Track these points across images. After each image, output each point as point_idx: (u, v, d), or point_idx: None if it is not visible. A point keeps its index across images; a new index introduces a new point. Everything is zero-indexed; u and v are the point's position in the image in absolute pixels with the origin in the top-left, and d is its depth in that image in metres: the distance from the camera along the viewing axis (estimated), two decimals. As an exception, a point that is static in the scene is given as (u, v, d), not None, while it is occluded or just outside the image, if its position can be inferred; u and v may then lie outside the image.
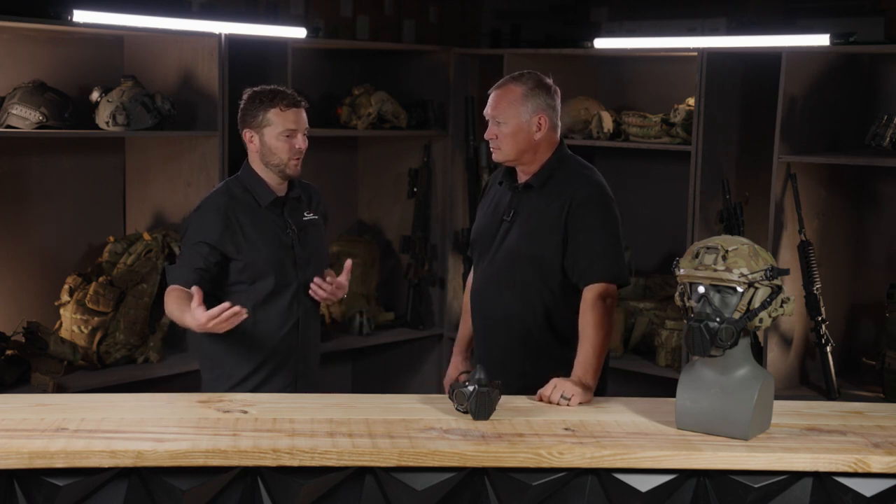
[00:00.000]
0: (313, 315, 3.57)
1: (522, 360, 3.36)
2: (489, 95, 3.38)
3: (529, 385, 3.19)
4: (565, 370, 3.19)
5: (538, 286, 3.33)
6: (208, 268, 3.36)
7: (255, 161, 3.47)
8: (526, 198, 3.38)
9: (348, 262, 3.56)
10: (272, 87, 3.46)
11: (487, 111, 3.35)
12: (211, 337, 3.41)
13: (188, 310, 3.15)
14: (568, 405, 3.02)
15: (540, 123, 3.31)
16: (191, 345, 4.63)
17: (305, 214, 3.54)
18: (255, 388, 3.40)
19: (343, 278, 3.52)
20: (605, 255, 3.26)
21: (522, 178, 3.39)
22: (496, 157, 3.37)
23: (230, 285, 3.42)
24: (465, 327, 3.59)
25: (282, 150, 3.41)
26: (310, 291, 3.46)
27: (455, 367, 3.58)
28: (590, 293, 3.23)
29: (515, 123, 3.30)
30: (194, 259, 3.36)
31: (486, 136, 3.36)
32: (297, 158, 3.43)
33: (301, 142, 3.43)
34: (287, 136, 3.40)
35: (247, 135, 3.44)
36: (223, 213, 3.40)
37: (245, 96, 3.48)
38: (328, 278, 3.50)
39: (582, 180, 3.34)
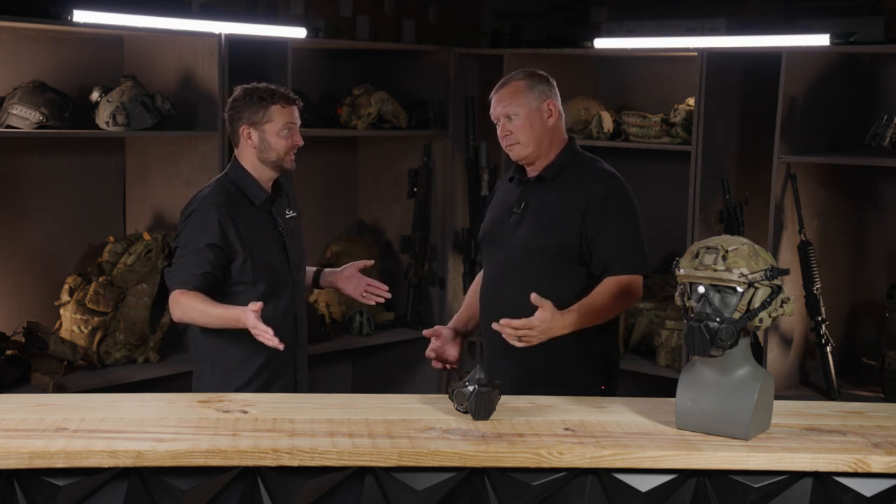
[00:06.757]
0: (305, 312, 3.62)
1: (533, 354, 3.34)
2: (490, 101, 3.38)
3: (541, 381, 3.21)
4: (577, 364, 3.23)
5: (549, 279, 3.32)
6: (214, 271, 3.37)
7: (246, 158, 3.48)
8: (538, 190, 3.38)
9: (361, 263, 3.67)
10: (264, 84, 3.49)
11: (496, 111, 3.35)
12: (214, 340, 3.41)
13: (228, 306, 3.28)
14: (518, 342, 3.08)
15: (550, 109, 3.35)
16: (191, 345, 4.63)
17: (288, 212, 3.56)
18: (260, 389, 3.41)
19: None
20: (628, 250, 3.30)
21: (534, 172, 3.40)
22: (514, 154, 3.37)
23: (231, 286, 3.42)
24: (463, 309, 3.58)
25: (281, 146, 3.45)
26: (366, 297, 3.60)
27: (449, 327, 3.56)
28: (614, 280, 3.27)
29: (526, 112, 3.32)
30: (200, 263, 3.35)
31: (500, 136, 3.36)
32: (294, 153, 3.49)
33: (299, 137, 3.50)
34: (288, 132, 3.45)
35: (244, 131, 3.44)
36: (223, 213, 3.40)
37: (237, 93, 3.49)
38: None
39: (598, 173, 3.37)
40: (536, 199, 3.37)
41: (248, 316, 3.15)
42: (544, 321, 3.09)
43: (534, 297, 3.11)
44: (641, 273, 3.33)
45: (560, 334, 3.15)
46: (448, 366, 3.47)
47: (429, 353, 3.47)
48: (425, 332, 3.50)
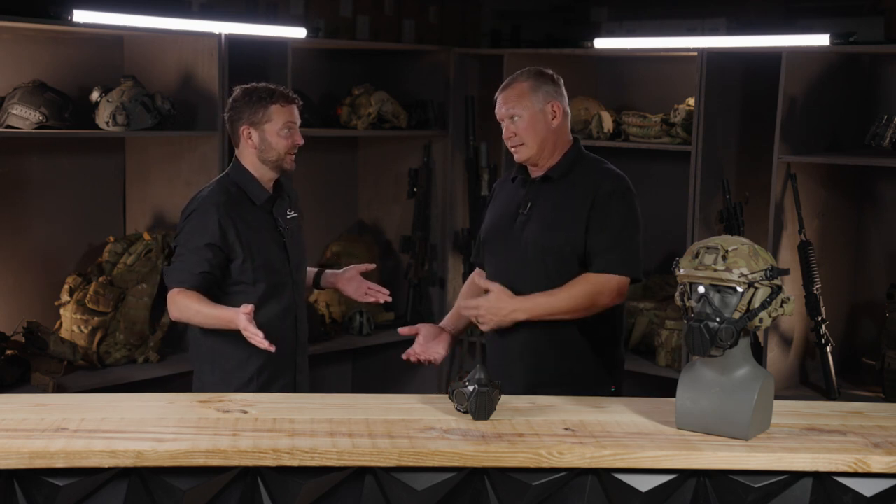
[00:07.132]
0: (305, 312, 3.63)
1: (542, 354, 3.33)
2: (496, 100, 3.38)
3: (551, 381, 3.22)
4: (588, 365, 3.25)
5: (555, 278, 3.30)
6: (213, 270, 3.37)
7: (247, 158, 3.48)
8: (544, 190, 3.38)
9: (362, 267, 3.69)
10: (264, 84, 3.50)
11: (500, 111, 3.35)
12: (214, 340, 3.42)
13: (222, 307, 3.29)
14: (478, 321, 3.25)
15: (554, 111, 3.34)
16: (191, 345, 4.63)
17: (289, 212, 3.57)
18: (260, 389, 3.41)
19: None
20: (619, 249, 3.27)
21: (538, 172, 3.40)
22: (519, 156, 3.36)
23: (231, 285, 3.42)
24: (455, 310, 3.53)
25: (282, 146, 3.45)
26: (368, 297, 3.60)
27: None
28: (589, 276, 3.26)
29: (530, 114, 3.31)
30: (199, 262, 3.35)
31: (505, 136, 3.36)
32: (294, 153, 3.49)
33: (299, 137, 3.49)
34: (288, 131, 3.45)
35: (244, 131, 3.45)
36: (224, 213, 3.40)
37: (237, 93, 3.49)
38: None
39: (604, 173, 3.37)
40: (543, 199, 3.37)
41: (239, 318, 3.15)
42: (489, 301, 3.22)
43: (481, 280, 3.28)
44: (630, 275, 3.29)
45: (515, 318, 3.22)
46: (426, 361, 3.38)
47: (405, 355, 3.40)
48: (401, 330, 3.48)
